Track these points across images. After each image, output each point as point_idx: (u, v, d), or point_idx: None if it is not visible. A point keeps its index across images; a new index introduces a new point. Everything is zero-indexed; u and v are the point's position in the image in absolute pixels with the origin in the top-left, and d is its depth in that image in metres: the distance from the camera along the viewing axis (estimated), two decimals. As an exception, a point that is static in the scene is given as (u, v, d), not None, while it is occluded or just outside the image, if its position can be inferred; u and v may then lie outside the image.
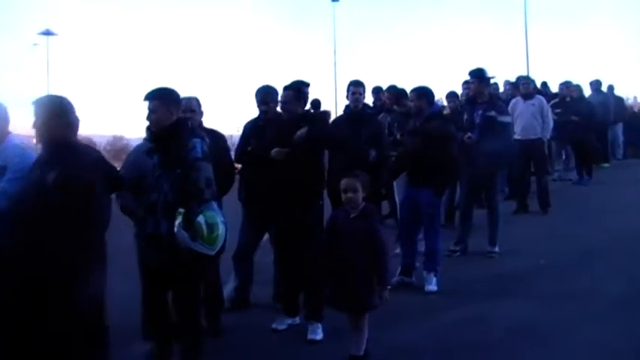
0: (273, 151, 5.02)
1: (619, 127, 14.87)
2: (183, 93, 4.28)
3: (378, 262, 4.10)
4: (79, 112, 3.70)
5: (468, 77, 7.27)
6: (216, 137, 5.02)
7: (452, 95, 8.86)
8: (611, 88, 14.86)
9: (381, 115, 8.38)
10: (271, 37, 75.71)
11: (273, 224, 5.31)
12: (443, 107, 8.59)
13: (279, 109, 5.40)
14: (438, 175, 6.06)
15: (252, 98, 5.55)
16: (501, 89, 11.97)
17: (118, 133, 43.25)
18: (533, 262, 6.73)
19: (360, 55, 64.15)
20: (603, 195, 10.54)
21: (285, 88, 5.16)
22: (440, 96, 9.85)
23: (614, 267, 6.37)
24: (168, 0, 76.23)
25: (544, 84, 14.51)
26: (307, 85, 5.39)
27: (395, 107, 7.96)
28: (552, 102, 12.27)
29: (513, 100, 9.64)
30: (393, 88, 8.37)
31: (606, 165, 13.82)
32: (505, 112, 7.12)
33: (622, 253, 6.90)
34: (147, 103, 3.92)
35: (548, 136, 9.56)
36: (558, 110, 12.05)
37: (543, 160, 9.56)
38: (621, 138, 15.13)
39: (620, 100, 15.35)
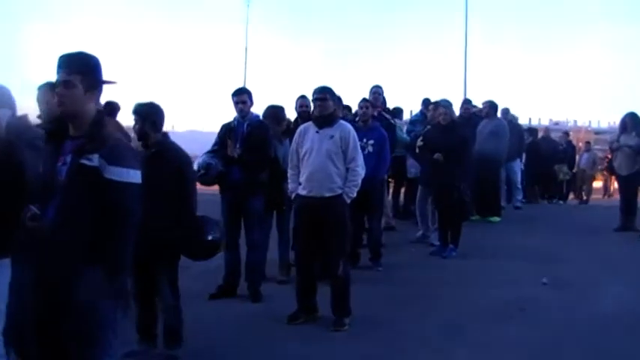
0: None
1: (516, 165, 11.14)
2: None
3: None
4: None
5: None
6: None
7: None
8: (505, 111, 11.12)
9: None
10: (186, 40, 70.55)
11: None
12: None
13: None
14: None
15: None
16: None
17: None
18: None
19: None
20: (466, 284, 6.53)
21: None
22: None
23: None
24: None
25: (425, 101, 10.42)
26: None
27: None
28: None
29: (301, 128, 5.52)
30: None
31: (496, 219, 9.95)
32: (132, 166, 2.92)
33: None
34: None
35: (353, 194, 5.37)
36: (422, 143, 8.30)
37: (342, 234, 5.31)
38: (519, 177, 11.43)
39: (517, 127, 11.59)
